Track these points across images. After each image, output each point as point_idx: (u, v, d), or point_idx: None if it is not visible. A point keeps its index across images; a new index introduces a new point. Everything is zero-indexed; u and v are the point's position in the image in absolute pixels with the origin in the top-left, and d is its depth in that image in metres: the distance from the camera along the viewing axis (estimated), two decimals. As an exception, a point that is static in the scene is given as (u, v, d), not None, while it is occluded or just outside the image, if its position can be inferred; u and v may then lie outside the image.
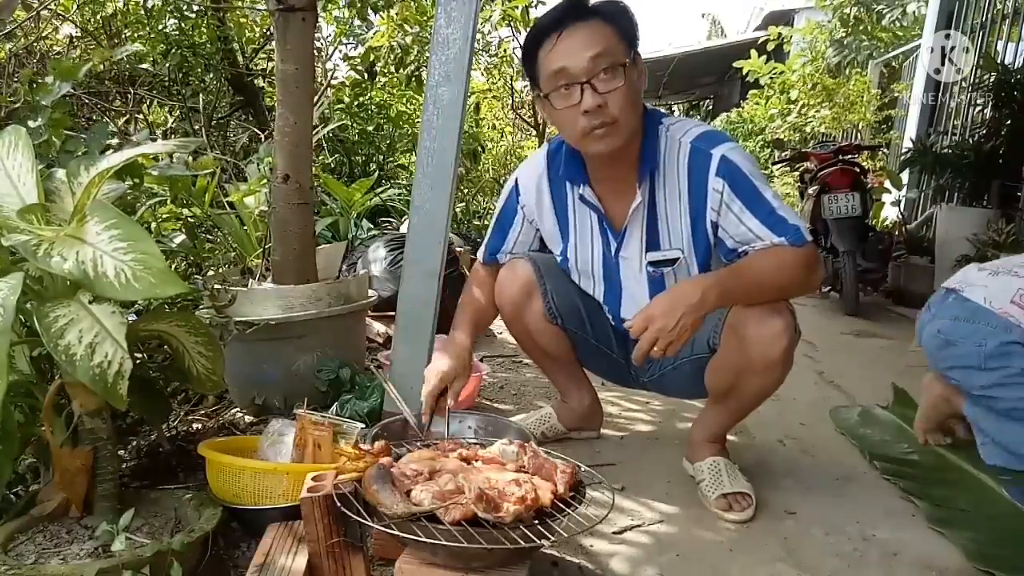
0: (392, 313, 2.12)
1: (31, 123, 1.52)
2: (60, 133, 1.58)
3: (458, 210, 5.66)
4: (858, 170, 4.58)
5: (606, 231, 1.71)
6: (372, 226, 4.13)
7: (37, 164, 1.24)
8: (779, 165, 7.01)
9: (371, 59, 5.12)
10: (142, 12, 4.31)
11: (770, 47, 9.31)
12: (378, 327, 2.97)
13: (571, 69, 1.46)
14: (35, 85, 1.60)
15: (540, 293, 1.81)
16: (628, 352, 1.88)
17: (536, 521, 1.15)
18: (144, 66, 4.35)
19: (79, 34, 4.32)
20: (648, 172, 1.60)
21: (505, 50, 6.44)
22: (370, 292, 2.38)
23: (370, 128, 5.17)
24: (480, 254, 1.92)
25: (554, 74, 1.49)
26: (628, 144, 1.56)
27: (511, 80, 6.94)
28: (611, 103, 1.48)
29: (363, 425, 1.67)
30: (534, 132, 6.92)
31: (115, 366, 1.08)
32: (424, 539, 1.10)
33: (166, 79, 4.57)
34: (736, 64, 9.48)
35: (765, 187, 1.55)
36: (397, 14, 4.83)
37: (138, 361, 1.13)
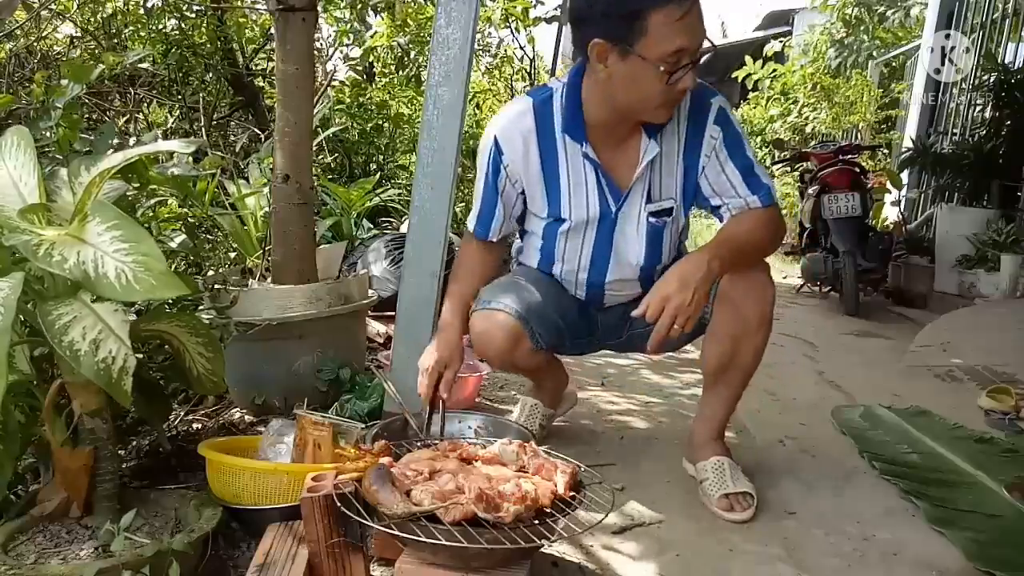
0: (392, 313, 2.12)
1: (42, 124, 1.52)
2: (75, 134, 1.58)
3: (458, 210, 5.66)
4: (858, 170, 4.58)
5: (604, 188, 1.68)
6: (372, 226, 4.13)
7: (43, 164, 1.24)
8: (779, 165, 7.00)
9: (369, 60, 5.12)
10: (142, 12, 4.31)
11: (770, 53, 9.30)
12: (378, 327, 2.97)
13: (690, 49, 1.44)
14: (49, 87, 1.60)
15: (527, 335, 1.69)
16: (592, 320, 1.85)
17: (536, 521, 1.15)
18: (144, 66, 4.36)
19: (79, 34, 4.32)
20: (660, 130, 1.62)
21: (506, 51, 6.45)
22: (370, 292, 2.38)
23: (370, 128, 5.17)
24: (471, 224, 1.78)
25: (674, 50, 1.42)
26: None
27: (511, 80, 6.94)
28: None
29: (363, 425, 1.67)
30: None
31: (119, 362, 1.08)
32: (424, 539, 1.10)
33: (166, 79, 4.58)
34: (734, 74, 9.47)
35: (747, 144, 1.64)
36: (397, 16, 4.83)
37: (139, 361, 1.13)
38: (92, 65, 1.64)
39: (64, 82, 1.59)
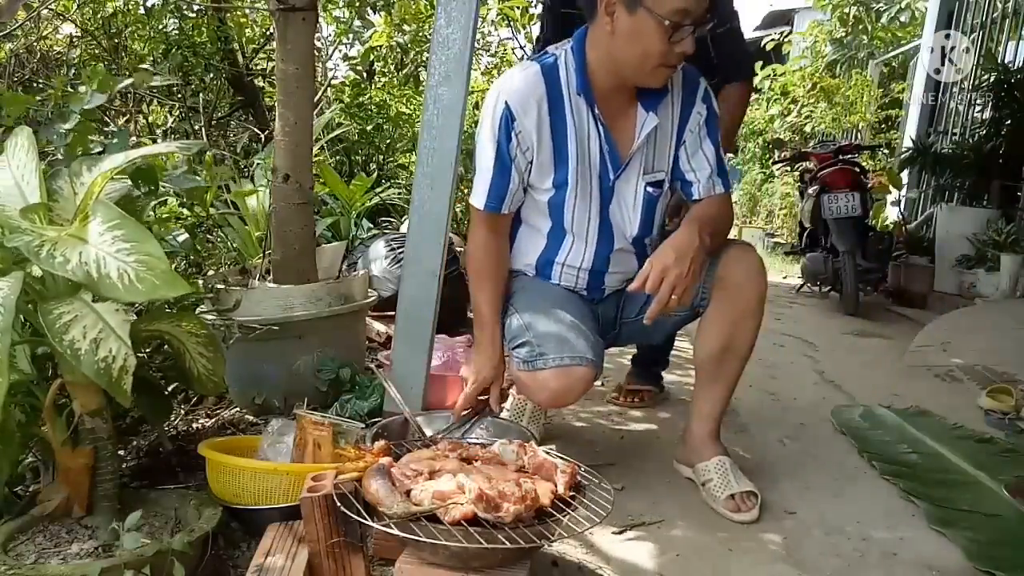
0: (392, 313, 2.12)
1: (58, 127, 1.52)
2: (86, 139, 1.58)
3: (458, 210, 5.66)
4: (858, 170, 4.58)
5: (606, 156, 1.68)
6: (372, 226, 4.13)
7: (52, 166, 1.24)
8: (779, 165, 7.01)
9: (370, 59, 5.12)
10: (142, 12, 4.32)
11: (770, 47, 9.31)
12: (378, 327, 2.97)
13: (693, 13, 1.49)
14: (67, 92, 1.60)
15: (597, 373, 1.66)
16: (596, 319, 1.82)
17: (536, 521, 1.16)
18: (144, 66, 4.35)
19: (79, 34, 4.32)
20: (657, 104, 1.65)
21: (505, 50, 6.45)
22: (370, 292, 2.38)
23: (369, 128, 5.17)
24: (479, 200, 1.69)
25: (680, 8, 1.47)
26: None
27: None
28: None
29: (363, 425, 1.67)
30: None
31: (120, 361, 1.08)
32: (424, 539, 1.10)
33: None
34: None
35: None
36: (395, 13, 4.83)
37: (139, 361, 1.14)
38: (116, 78, 1.64)
39: (83, 88, 1.59)
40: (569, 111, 1.65)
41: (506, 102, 1.62)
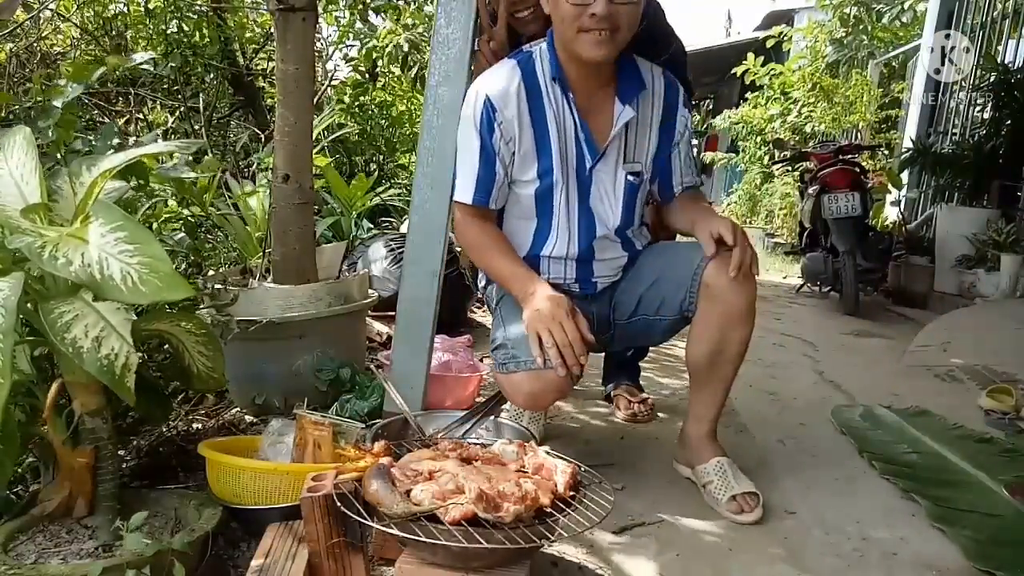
0: (392, 313, 2.12)
1: (40, 123, 1.51)
2: (69, 134, 1.58)
3: (458, 210, 5.65)
4: (858, 170, 4.58)
5: (582, 143, 1.70)
6: (372, 226, 4.13)
7: (41, 164, 1.24)
8: (779, 165, 7.00)
9: (373, 59, 5.11)
10: (142, 12, 4.32)
11: (770, 43, 9.29)
12: (378, 327, 2.98)
13: None
14: (47, 87, 1.60)
15: (573, 380, 1.60)
16: (589, 320, 1.75)
17: (536, 521, 1.16)
18: (145, 67, 4.35)
19: (79, 35, 4.32)
20: (638, 89, 1.68)
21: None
22: (370, 292, 2.38)
23: (371, 128, 5.16)
24: (466, 196, 1.68)
25: None
26: (613, 58, 1.63)
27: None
28: (621, 15, 1.53)
29: (363, 425, 1.67)
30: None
31: (122, 359, 1.09)
32: (424, 539, 1.10)
33: (167, 79, 4.58)
34: (734, 69, 9.46)
35: None
36: (399, 19, 4.83)
37: (139, 360, 1.14)
38: (94, 66, 1.64)
39: (63, 82, 1.59)
40: (547, 99, 1.68)
41: (486, 95, 1.64)
